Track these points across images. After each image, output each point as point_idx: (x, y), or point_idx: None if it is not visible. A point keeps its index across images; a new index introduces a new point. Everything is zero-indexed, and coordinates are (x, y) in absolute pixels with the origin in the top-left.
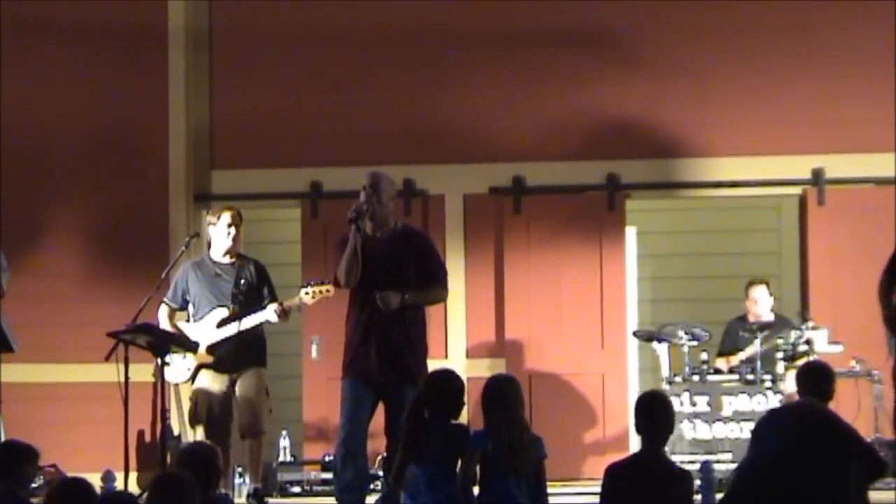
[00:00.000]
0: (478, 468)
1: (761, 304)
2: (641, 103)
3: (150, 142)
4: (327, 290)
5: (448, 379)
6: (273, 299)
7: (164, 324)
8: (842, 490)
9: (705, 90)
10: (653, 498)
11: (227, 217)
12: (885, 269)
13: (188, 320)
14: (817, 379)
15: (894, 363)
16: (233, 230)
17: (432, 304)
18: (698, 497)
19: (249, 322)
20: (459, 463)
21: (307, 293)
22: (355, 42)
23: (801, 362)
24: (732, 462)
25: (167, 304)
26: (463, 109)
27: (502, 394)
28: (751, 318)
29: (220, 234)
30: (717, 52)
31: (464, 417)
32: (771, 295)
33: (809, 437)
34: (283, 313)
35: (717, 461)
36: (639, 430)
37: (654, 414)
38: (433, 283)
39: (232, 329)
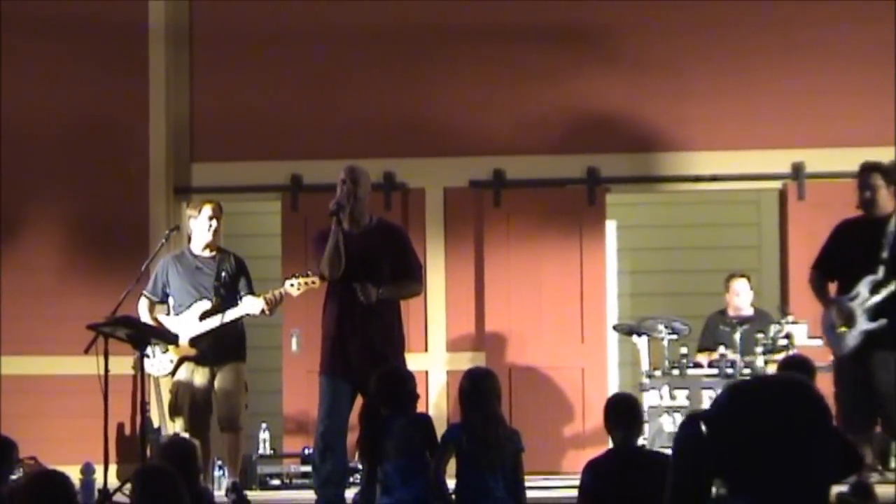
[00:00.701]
0: (453, 461)
1: (742, 298)
2: (622, 97)
3: (131, 135)
4: (313, 282)
5: (396, 374)
6: (250, 293)
7: (144, 316)
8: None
9: (685, 85)
10: (637, 487)
11: (208, 210)
12: (812, 266)
13: (168, 313)
14: (797, 371)
15: (836, 359)
16: (214, 223)
17: (406, 298)
18: None
19: (235, 314)
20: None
21: (292, 285)
22: (335, 36)
23: (780, 356)
24: None
25: (147, 296)
26: (443, 103)
27: (478, 388)
28: (731, 312)
29: (201, 227)
30: (698, 47)
31: (443, 411)
32: (751, 289)
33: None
34: (269, 306)
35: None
36: (610, 429)
37: (626, 412)
38: (407, 278)
39: (214, 322)
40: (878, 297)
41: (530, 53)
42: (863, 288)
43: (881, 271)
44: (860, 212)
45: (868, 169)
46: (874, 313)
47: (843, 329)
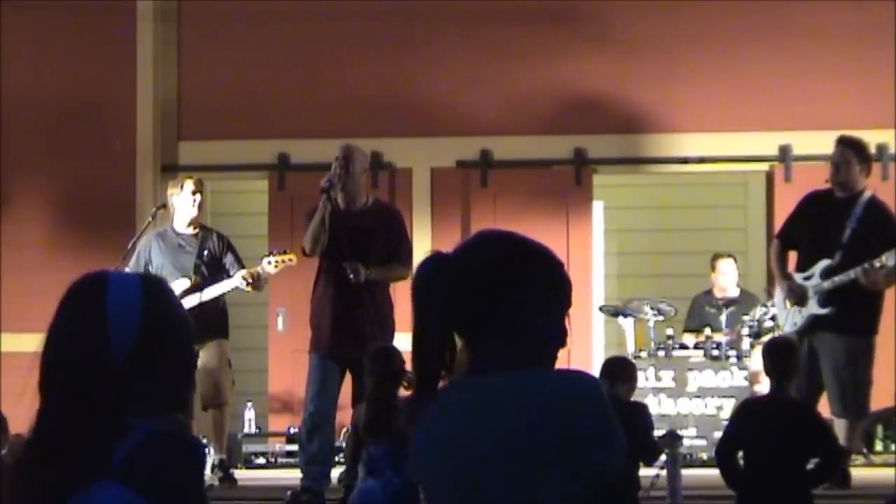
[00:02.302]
0: None
1: (728, 277)
2: (609, 78)
3: (118, 113)
4: (290, 260)
5: (393, 354)
6: (241, 267)
7: None
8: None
9: (673, 66)
10: (776, 435)
11: (190, 185)
12: (776, 236)
13: None
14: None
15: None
16: (197, 197)
17: (394, 281)
18: (663, 472)
19: (215, 290)
20: None
21: (269, 262)
22: (324, 15)
23: (766, 338)
24: (697, 437)
25: None
26: (431, 83)
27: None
28: (716, 293)
29: (184, 203)
30: (686, 28)
31: None
32: (737, 269)
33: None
34: (254, 280)
35: (682, 437)
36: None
37: (776, 358)
38: (396, 261)
39: (197, 299)
40: (829, 284)
41: (518, 34)
42: (817, 270)
43: (838, 257)
44: (830, 185)
45: (843, 143)
46: (825, 298)
47: (792, 306)
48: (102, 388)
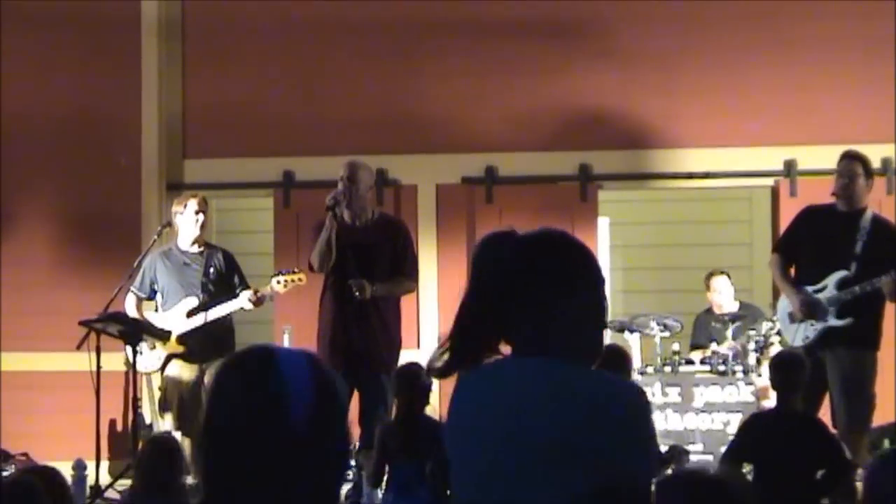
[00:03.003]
0: None
1: (724, 295)
2: (614, 94)
3: (123, 130)
4: (299, 279)
5: (421, 372)
6: (245, 286)
7: (132, 313)
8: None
9: (678, 81)
10: (783, 450)
11: (193, 204)
12: (774, 249)
13: (156, 310)
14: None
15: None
16: (201, 217)
17: (399, 296)
18: None
19: (222, 310)
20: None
21: (279, 282)
22: (328, 32)
23: (772, 353)
24: (704, 453)
25: (134, 293)
26: (436, 100)
27: None
28: (715, 310)
29: (187, 221)
30: (690, 43)
31: (436, 408)
32: (732, 284)
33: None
34: (257, 301)
35: (689, 452)
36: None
37: (783, 371)
38: (401, 275)
39: (203, 318)
40: (848, 294)
41: (522, 50)
42: (831, 282)
43: (854, 268)
44: (834, 199)
45: (850, 157)
46: (841, 310)
47: (802, 319)
48: (285, 458)
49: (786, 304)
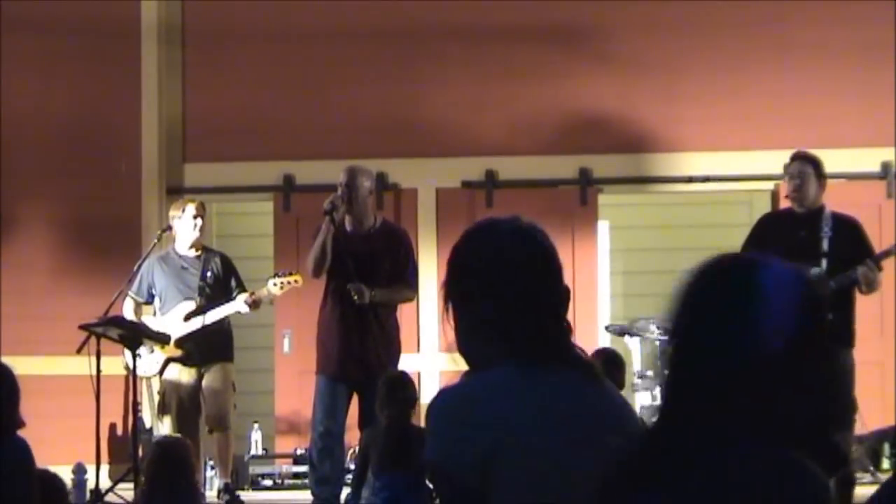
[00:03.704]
0: None
1: None
2: (614, 98)
3: (123, 135)
4: (295, 281)
5: (409, 382)
6: (241, 290)
7: (130, 317)
8: None
9: (678, 85)
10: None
11: (191, 209)
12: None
13: (154, 314)
14: None
15: None
16: (199, 221)
17: (399, 303)
18: None
19: (219, 314)
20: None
21: (275, 284)
22: (328, 36)
23: None
24: None
25: (133, 297)
26: (436, 103)
27: None
28: None
29: (185, 226)
30: (691, 47)
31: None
32: None
33: None
34: (253, 303)
35: None
36: None
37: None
38: (402, 283)
39: (200, 322)
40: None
41: (523, 53)
42: None
43: (825, 264)
44: (788, 203)
45: (800, 158)
46: None
47: None
48: (757, 378)
49: None
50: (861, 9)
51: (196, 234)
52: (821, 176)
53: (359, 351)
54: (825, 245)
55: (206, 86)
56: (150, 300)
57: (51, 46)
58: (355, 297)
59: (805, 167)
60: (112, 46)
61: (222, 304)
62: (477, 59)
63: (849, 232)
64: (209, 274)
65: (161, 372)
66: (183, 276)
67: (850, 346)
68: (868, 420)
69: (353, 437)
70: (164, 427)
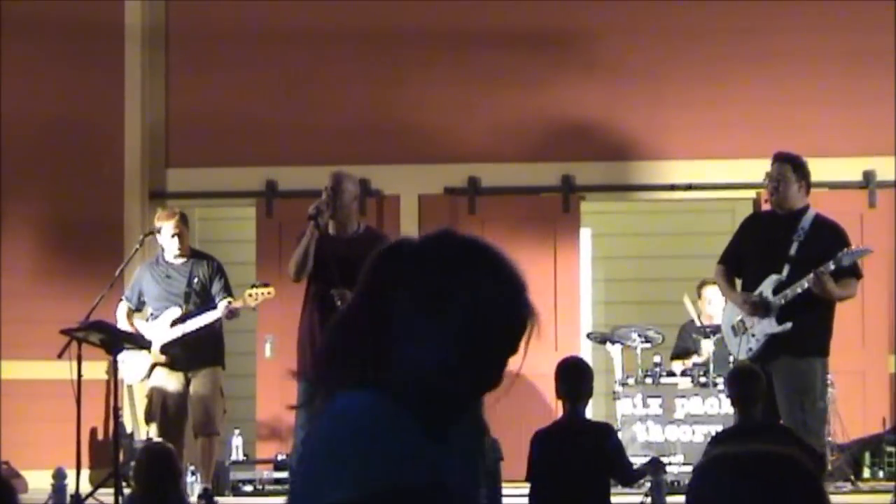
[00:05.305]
0: None
1: (714, 305)
2: (597, 105)
3: (106, 138)
4: (268, 293)
5: None
6: (227, 295)
7: (122, 321)
8: None
9: (661, 93)
10: (581, 454)
11: (169, 227)
12: (718, 261)
13: (147, 320)
14: (747, 381)
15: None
16: (176, 240)
17: None
18: (649, 500)
19: (200, 321)
20: None
21: (250, 295)
22: (311, 41)
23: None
24: (684, 464)
25: (126, 302)
26: (419, 110)
27: None
28: (704, 320)
29: (165, 241)
30: (674, 55)
31: None
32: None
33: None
34: (231, 313)
35: (669, 464)
36: (560, 395)
37: (574, 379)
38: None
39: (183, 328)
40: (782, 298)
41: (506, 61)
42: (765, 288)
43: (786, 270)
44: (770, 206)
45: (779, 159)
46: (780, 315)
47: (744, 331)
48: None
49: (729, 316)
50: (845, 18)
51: (175, 249)
52: (802, 177)
53: None
54: (793, 249)
55: (190, 90)
56: (140, 307)
57: (34, 49)
58: (339, 303)
59: (784, 168)
60: (95, 49)
61: (206, 310)
62: (461, 65)
63: (825, 236)
64: (195, 280)
65: (148, 376)
66: (169, 282)
67: (821, 355)
68: (850, 429)
69: None
70: (151, 432)
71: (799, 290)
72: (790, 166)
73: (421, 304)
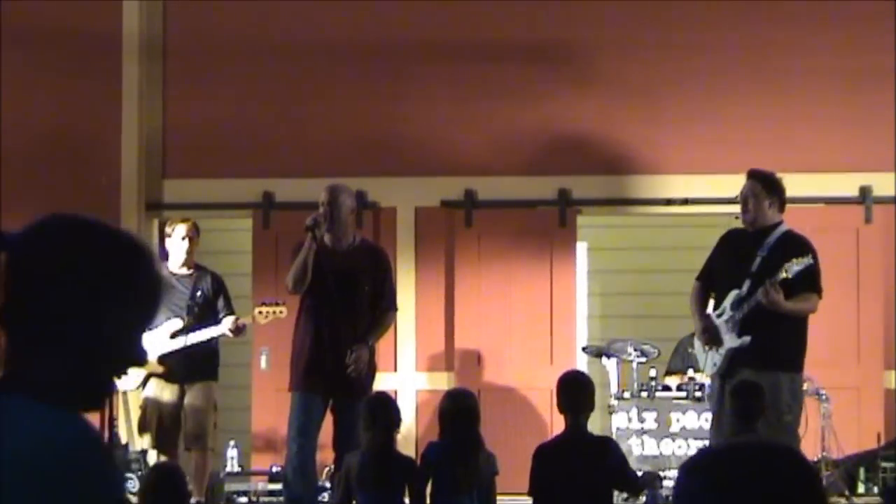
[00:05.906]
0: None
1: None
2: (594, 119)
3: (103, 149)
4: (280, 312)
5: (391, 403)
6: (230, 312)
7: None
8: None
9: (658, 107)
10: (584, 468)
11: (181, 230)
12: (696, 277)
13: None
14: (571, 390)
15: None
16: (186, 243)
17: (387, 330)
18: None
19: (203, 335)
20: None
21: (260, 313)
22: (309, 53)
23: None
24: None
25: None
26: (416, 122)
27: (459, 408)
28: None
29: (174, 246)
30: (671, 69)
31: (412, 431)
32: None
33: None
34: (237, 329)
35: (665, 478)
36: (562, 409)
37: (576, 393)
38: (383, 305)
39: (183, 341)
40: (739, 314)
41: (503, 74)
42: (727, 303)
43: (746, 286)
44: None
45: (752, 176)
46: (740, 329)
47: (707, 348)
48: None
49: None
50: (841, 35)
51: (183, 255)
52: (773, 194)
53: (335, 367)
54: (755, 266)
55: (187, 102)
56: None
57: (32, 59)
58: (353, 372)
59: (755, 186)
60: (93, 61)
61: (209, 325)
62: (458, 78)
63: (787, 250)
64: (199, 293)
65: (143, 386)
66: (172, 294)
67: (786, 369)
68: (845, 445)
69: (327, 455)
70: (144, 442)
71: (754, 304)
72: (760, 184)
73: (45, 297)
